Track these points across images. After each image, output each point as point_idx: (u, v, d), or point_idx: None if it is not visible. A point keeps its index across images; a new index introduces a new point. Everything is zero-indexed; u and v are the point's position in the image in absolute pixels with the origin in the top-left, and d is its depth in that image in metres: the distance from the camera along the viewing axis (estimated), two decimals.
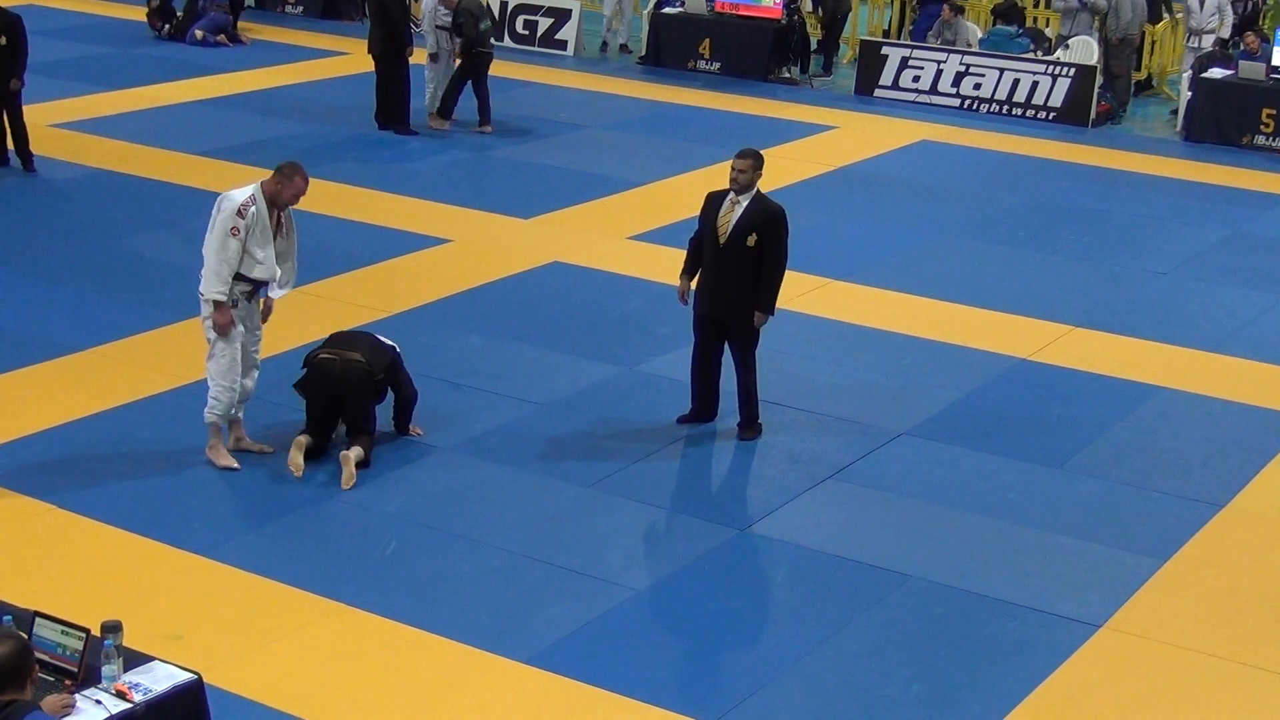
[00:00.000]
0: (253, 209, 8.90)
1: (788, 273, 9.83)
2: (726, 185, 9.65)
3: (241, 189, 9.00)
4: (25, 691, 5.22)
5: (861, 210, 15.00)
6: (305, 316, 11.52)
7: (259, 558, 8.20)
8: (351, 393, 9.31)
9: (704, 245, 9.72)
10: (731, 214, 9.56)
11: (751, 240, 9.52)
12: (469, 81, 17.18)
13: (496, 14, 22.10)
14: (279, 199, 9.04)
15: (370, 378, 9.34)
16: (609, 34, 22.52)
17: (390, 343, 9.65)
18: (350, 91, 18.58)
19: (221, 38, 21.56)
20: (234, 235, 8.84)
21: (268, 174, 9.11)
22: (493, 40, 17.45)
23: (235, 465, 9.16)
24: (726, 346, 9.85)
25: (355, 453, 9.14)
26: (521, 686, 7.21)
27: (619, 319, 11.88)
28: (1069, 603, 8.09)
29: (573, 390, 10.47)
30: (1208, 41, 19.42)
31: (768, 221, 9.54)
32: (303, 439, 9.28)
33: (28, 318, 11.42)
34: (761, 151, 9.75)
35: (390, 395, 9.61)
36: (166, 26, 21.83)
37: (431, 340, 11.06)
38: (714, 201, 9.71)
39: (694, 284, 9.86)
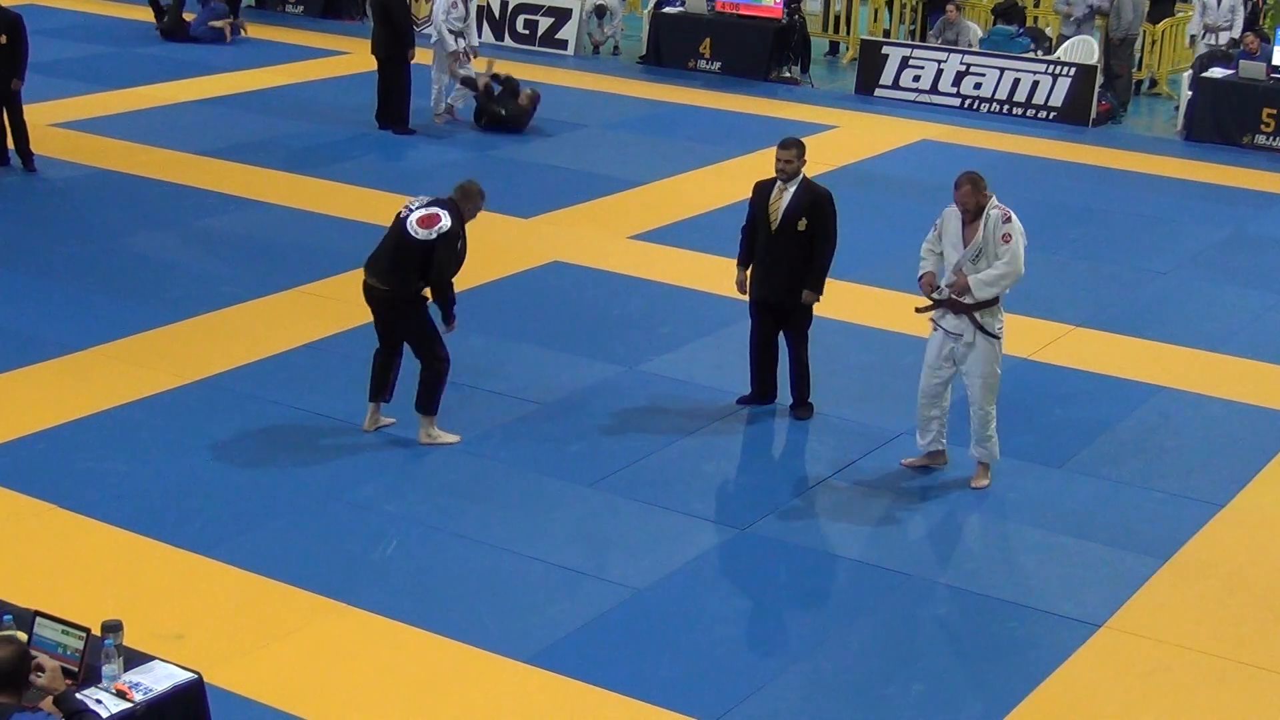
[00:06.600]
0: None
1: None
2: (767, 175, 9.93)
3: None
4: (19, 696, 5.22)
5: (861, 210, 14.97)
6: (306, 317, 11.53)
7: (259, 558, 8.20)
8: (383, 317, 9.51)
9: (756, 233, 9.93)
10: (780, 201, 9.78)
11: (802, 225, 9.77)
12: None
13: (497, 14, 22.12)
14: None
15: (397, 302, 9.38)
16: (605, 35, 22.48)
17: (424, 235, 9.21)
18: (350, 91, 18.57)
19: (221, 24, 21.55)
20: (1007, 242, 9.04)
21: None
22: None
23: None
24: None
25: (423, 432, 9.48)
26: (521, 686, 7.21)
27: (619, 319, 11.87)
28: (1069, 603, 8.08)
29: (573, 390, 10.46)
30: (1222, 39, 19.38)
31: (816, 205, 9.80)
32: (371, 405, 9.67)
33: (28, 318, 11.42)
34: (803, 140, 9.95)
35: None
36: (164, 17, 21.89)
37: None
38: (763, 190, 9.95)
39: (749, 272, 10.02)
